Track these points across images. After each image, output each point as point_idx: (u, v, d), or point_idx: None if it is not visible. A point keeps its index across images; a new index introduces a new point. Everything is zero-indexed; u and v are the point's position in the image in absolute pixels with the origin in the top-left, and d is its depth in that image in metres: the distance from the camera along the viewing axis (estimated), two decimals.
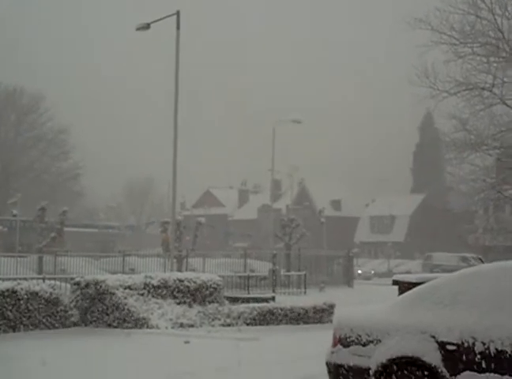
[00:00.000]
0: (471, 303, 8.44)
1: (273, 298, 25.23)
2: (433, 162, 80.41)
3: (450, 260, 54.39)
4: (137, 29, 28.60)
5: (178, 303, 20.81)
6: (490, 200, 36.08)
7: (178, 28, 27.87)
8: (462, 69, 30.99)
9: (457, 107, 31.67)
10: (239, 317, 20.74)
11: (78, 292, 20.19)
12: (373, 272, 55.48)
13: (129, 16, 72.33)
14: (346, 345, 9.24)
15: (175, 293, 20.96)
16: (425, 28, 30.83)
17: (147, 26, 28.33)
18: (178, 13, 27.79)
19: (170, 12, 27.89)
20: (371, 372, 8.85)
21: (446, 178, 55.59)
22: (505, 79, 31.06)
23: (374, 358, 8.85)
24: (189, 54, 33.46)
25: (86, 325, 19.89)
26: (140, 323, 19.56)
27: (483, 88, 30.93)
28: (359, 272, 59.55)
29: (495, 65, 30.90)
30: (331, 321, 19.41)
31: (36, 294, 19.08)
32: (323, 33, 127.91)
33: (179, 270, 33.79)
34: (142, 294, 20.50)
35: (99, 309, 19.95)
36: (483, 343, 8.09)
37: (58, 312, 19.49)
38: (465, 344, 8.21)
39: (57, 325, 19.37)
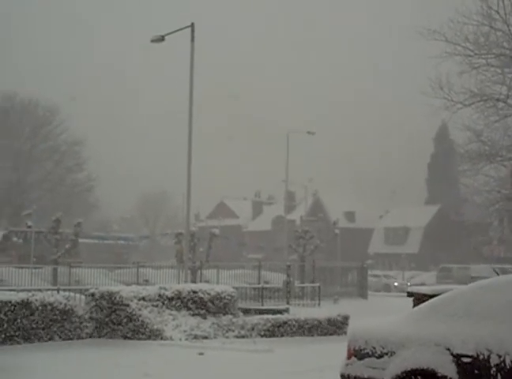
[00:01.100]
0: (486, 315, 8.40)
1: (287, 310, 25.17)
2: (448, 173, 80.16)
3: (488, 271, 53.90)
4: (152, 41, 28.78)
5: (193, 315, 20.81)
6: (504, 212, 36.00)
7: (192, 40, 28.00)
8: (477, 80, 30.99)
9: (471, 118, 31.65)
10: (253, 329, 20.72)
11: (93, 303, 20.21)
12: (409, 283, 54.28)
13: (144, 28, 72.76)
14: (360, 357, 9.21)
15: (189, 304, 20.96)
16: (439, 39, 30.85)
17: (161, 38, 28.49)
18: (192, 26, 27.93)
19: (183, 21, 28.08)
20: None
21: (460, 190, 55.41)
22: None
23: (389, 370, 8.81)
24: (202, 62, 33.56)
25: (100, 337, 19.90)
26: (154, 334, 19.57)
27: (497, 99, 30.89)
28: (396, 284, 58.85)
29: (509, 76, 30.87)
30: (345, 333, 19.38)
31: (51, 305, 19.13)
32: (335, 44, 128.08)
33: (193, 281, 33.79)
34: (156, 306, 20.51)
35: (113, 321, 19.97)
36: (499, 356, 8.04)
37: (72, 323, 19.52)
38: (481, 357, 8.16)
39: (71, 337, 19.40)
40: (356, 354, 9.26)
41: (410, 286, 19.20)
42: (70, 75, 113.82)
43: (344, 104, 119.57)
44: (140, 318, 19.81)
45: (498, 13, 30.32)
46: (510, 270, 41.24)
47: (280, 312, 23.77)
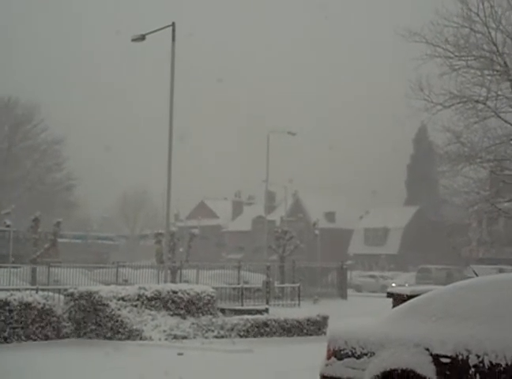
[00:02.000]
0: (465, 316, 8.43)
1: (267, 310, 25.19)
2: (427, 174, 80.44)
3: (488, 272, 53.84)
4: (133, 40, 28.73)
5: (172, 315, 20.78)
6: (483, 213, 36.16)
7: (173, 39, 27.99)
8: (457, 82, 31.09)
9: (451, 120, 31.75)
10: (232, 329, 20.71)
11: (72, 303, 20.14)
12: (407, 284, 53.57)
13: (126, 26, 72.61)
14: (340, 358, 9.22)
15: (168, 304, 20.93)
16: (420, 41, 30.93)
17: (142, 37, 28.45)
18: (173, 25, 27.91)
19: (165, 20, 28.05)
20: None
21: (439, 191, 55.58)
22: (499, 92, 31.15)
23: (369, 370, 8.83)
24: (183, 63, 33.53)
25: (79, 337, 19.83)
26: (133, 334, 19.52)
27: (477, 101, 31.02)
28: (393, 284, 58.80)
29: (489, 78, 31.01)
30: (325, 333, 19.43)
31: (29, 305, 19.04)
32: (318, 46, 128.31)
33: (173, 281, 33.73)
34: (136, 306, 20.46)
35: (92, 321, 19.90)
36: (478, 356, 8.07)
37: (51, 323, 19.44)
38: (459, 357, 8.19)
39: (50, 336, 19.32)
40: (336, 354, 9.27)
41: (405, 286, 19.28)
42: (51, 75, 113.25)
43: (322, 105, 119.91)
44: (119, 318, 19.75)
45: (478, 15, 30.45)
46: (507, 270, 41.36)
47: (259, 312, 23.78)
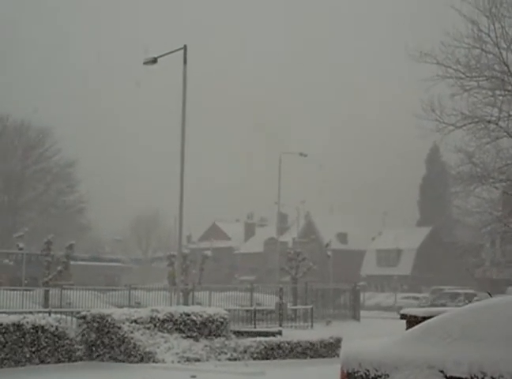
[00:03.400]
0: (480, 337, 8.37)
1: (280, 332, 25.05)
2: (439, 195, 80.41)
3: None
4: (145, 63, 28.83)
5: (185, 337, 20.71)
6: (496, 233, 36.01)
7: (185, 62, 28.09)
8: (468, 102, 31.10)
9: (463, 140, 31.73)
10: (245, 351, 20.63)
11: (84, 326, 20.11)
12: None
13: (137, 48, 73.03)
14: None
15: (181, 327, 20.87)
16: (431, 62, 30.99)
17: (154, 60, 28.55)
18: (185, 48, 28.02)
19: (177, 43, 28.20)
20: None
21: (452, 211, 55.51)
22: (510, 112, 31.13)
23: None
24: (194, 83, 33.66)
25: (92, 359, 19.78)
26: (146, 357, 19.46)
27: (489, 122, 31.00)
28: None
29: (500, 98, 31.00)
30: (338, 356, 19.31)
31: (42, 328, 19.01)
32: (326, 65, 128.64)
33: (185, 304, 33.70)
34: (148, 328, 20.41)
35: (105, 344, 19.87)
36: (493, 378, 8.00)
37: (63, 346, 19.40)
38: None
39: (62, 359, 19.27)
40: (349, 376, 9.21)
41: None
42: (61, 97, 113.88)
43: (335, 126, 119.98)
44: (132, 341, 19.71)
45: (489, 35, 30.51)
46: None
47: (272, 334, 23.65)
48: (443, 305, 53.35)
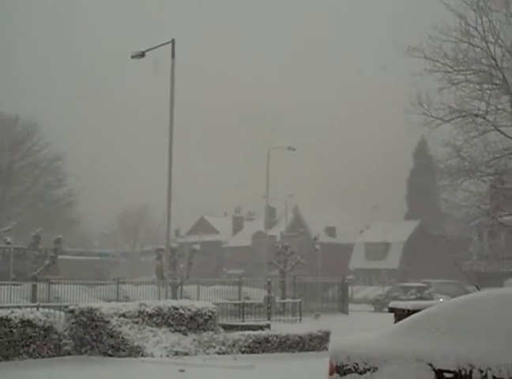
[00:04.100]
0: (468, 330, 8.40)
1: (268, 326, 25.12)
2: (427, 188, 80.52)
3: None
4: (132, 57, 28.71)
5: (173, 331, 20.71)
6: (484, 227, 36.16)
7: (173, 56, 28.03)
8: (456, 96, 31.17)
9: (451, 134, 31.81)
10: (234, 345, 20.65)
11: (72, 320, 20.08)
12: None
13: (125, 42, 72.78)
14: (343, 373, 9.18)
15: (169, 321, 20.86)
16: (418, 56, 31.04)
17: (142, 54, 28.45)
18: (173, 42, 27.95)
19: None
20: None
21: (440, 205, 55.59)
22: (498, 106, 31.23)
23: None
24: (183, 81, 33.57)
25: (80, 354, 19.75)
26: (135, 351, 19.44)
27: (476, 115, 31.08)
28: (441, 299, 58.06)
29: (488, 92, 31.08)
30: (327, 349, 19.35)
31: (30, 322, 18.97)
32: (316, 57, 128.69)
33: (174, 298, 33.68)
34: (137, 322, 20.40)
35: (93, 338, 19.84)
36: (481, 371, 8.03)
37: (52, 340, 19.37)
38: (463, 372, 8.15)
39: (51, 354, 19.23)
40: (338, 370, 9.23)
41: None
42: (49, 90, 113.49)
43: (323, 119, 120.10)
44: (120, 335, 19.69)
45: (476, 29, 30.57)
46: None
47: (261, 328, 23.69)
48: (396, 297, 54.09)
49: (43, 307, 23.36)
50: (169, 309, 21.04)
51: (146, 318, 20.61)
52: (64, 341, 19.67)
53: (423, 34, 31.14)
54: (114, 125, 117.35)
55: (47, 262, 37.22)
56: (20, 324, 18.71)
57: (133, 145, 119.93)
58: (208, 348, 20.41)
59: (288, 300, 41.04)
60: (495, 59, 30.54)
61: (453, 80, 30.95)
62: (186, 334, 20.77)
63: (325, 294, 46.57)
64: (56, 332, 19.53)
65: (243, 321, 31.43)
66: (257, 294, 38.40)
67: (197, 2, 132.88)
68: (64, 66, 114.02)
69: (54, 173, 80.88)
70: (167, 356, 19.56)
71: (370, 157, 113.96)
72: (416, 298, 55.86)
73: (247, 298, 37.34)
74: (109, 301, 26.23)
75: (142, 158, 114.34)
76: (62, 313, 21.14)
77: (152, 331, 20.37)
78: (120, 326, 19.88)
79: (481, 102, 31.19)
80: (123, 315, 20.27)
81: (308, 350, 21.46)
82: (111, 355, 19.48)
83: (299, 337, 21.66)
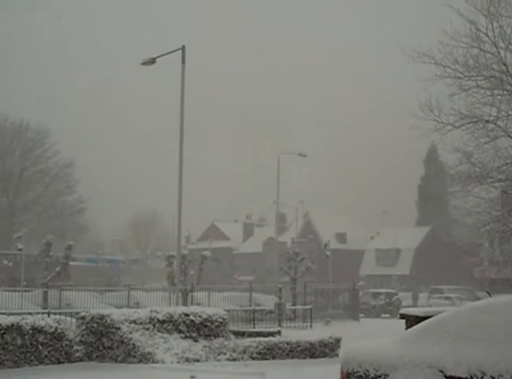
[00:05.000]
0: (479, 337, 8.37)
1: (279, 332, 25.07)
2: (438, 194, 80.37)
3: None
4: (143, 64, 28.78)
5: (184, 337, 20.72)
6: (495, 233, 35.93)
7: (183, 62, 28.10)
8: (466, 102, 31.06)
9: (461, 140, 31.69)
10: (244, 352, 20.63)
11: (83, 327, 20.11)
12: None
13: (135, 49, 72.98)
14: None
15: (180, 327, 20.87)
16: (428, 61, 30.96)
17: (152, 60, 28.52)
18: (183, 48, 28.04)
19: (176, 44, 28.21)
20: None
21: (451, 211, 55.57)
22: (509, 112, 31.09)
23: None
24: (193, 85, 33.64)
25: (91, 360, 19.78)
26: (145, 358, 19.46)
27: (487, 121, 30.98)
28: None
29: (499, 97, 30.97)
30: (337, 356, 19.35)
31: (41, 329, 19.02)
32: (326, 65, 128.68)
33: (185, 304, 33.69)
34: (148, 329, 20.41)
35: (104, 344, 19.86)
36: (492, 378, 8.01)
37: (63, 347, 19.41)
38: (474, 378, 8.13)
39: (62, 360, 19.27)
40: (349, 376, 9.22)
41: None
42: (59, 97, 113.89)
43: (334, 126, 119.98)
44: (131, 341, 19.71)
45: (487, 35, 30.48)
46: None
47: (271, 334, 23.66)
48: (365, 303, 54.28)
49: (54, 314, 23.37)
50: (180, 315, 21.04)
51: (157, 325, 20.62)
52: (75, 348, 19.71)
53: (432, 39, 31.10)
54: (124, 132, 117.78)
55: (58, 269, 37.27)
56: (31, 331, 18.76)
57: (144, 152, 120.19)
58: (218, 355, 20.40)
59: (298, 306, 40.98)
60: (505, 65, 30.44)
61: (463, 85, 30.86)
62: (196, 340, 20.77)
63: (336, 300, 46.51)
64: (67, 339, 19.57)
65: (254, 328, 31.40)
66: (267, 301, 38.38)
67: (200, 3, 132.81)
68: (74, 72, 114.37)
69: (65, 180, 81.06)
70: (178, 362, 19.55)
71: (380, 163, 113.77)
72: (385, 304, 56.54)
73: (258, 305, 37.32)
74: (120, 307, 26.28)
75: (152, 164, 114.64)
76: (73, 320, 21.16)
77: (162, 337, 20.38)
78: (131, 333, 19.90)
79: (492, 107, 31.08)
80: (134, 321, 20.29)
81: (319, 356, 21.40)
82: (121, 362, 19.49)
83: (310, 344, 21.61)
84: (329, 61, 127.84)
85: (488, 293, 11.59)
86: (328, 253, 68.92)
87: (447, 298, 61.68)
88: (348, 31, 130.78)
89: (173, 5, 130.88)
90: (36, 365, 18.69)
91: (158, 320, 20.69)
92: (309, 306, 39.53)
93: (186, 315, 21.12)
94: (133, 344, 19.65)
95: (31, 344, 18.71)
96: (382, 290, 60.93)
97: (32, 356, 18.73)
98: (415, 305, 57.53)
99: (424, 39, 31.82)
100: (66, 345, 19.50)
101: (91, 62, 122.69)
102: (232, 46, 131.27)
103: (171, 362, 19.45)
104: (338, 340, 21.86)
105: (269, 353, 20.84)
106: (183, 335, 20.75)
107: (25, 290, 34.79)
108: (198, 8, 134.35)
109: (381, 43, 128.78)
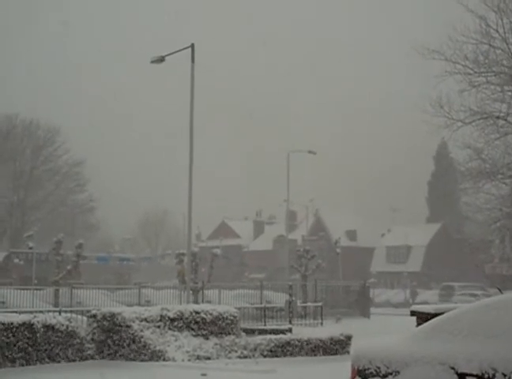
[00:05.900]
0: (491, 334, 8.34)
1: (290, 330, 25.07)
2: (448, 191, 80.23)
3: None
4: (152, 62, 28.80)
5: (195, 335, 20.73)
6: (506, 229, 35.91)
7: (192, 61, 28.09)
8: (477, 98, 31.04)
9: (471, 136, 31.68)
10: (255, 349, 20.63)
11: (94, 325, 20.15)
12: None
13: (144, 48, 73.09)
14: (364, 377, 9.15)
15: (191, 325, 20.89)
16: (439, 58, 30.94)
17: (162, 59, 28.54)
18: (192, 46, 28.02)
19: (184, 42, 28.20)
20: None
21: (461, 208, 55.38)
22: None
23: None
24: (203, 83, 33.64)
25: (102, 358, 19.81)
26: (156, 355, 19.49)
27: (497, 117, 30.92)
28: None
29: (509, 93, 30.92)
30: (348, 353, 19.33)
31: (52, 327, 19.06)
32: (335, 61, 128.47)
33: (195, 302, 33.72)
34: (158, 327, 20.44)
35: (115, 342, 19.89)
36: (504, 375, 7.97)
37: (74, 345, 19.45)
38: (486, 376, 8.10)
39: (73, 358, 19.32)
40: (360, 373, 9.20)
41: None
42: (69, 96, 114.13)
43: (344, 123, 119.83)
44: (142, 339, 19.74)
45: (497, 31, 30.43)
46: None
47: (282, 332, 23.66)
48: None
49: (66, 312, 23.43)
50: (191, 313, 21.06)
51: (168, 322, 20.65)
52: (86, 345, 19.75)
53: (442, 36, 31.04)
54: (134, 130, 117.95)
55: (68, 267, 37.36)
56: (42, 329, 18.80)
57: (154, 150, 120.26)
58: (229, 352, 20.42)
59: (309, 304, 40.94)
60: None
61: (473, 82, 30.82)
62: (207, 338, 20.79)
63: (347, 297, 46.46)
64: (78, 337, 19.62)
65: (265, 325, 31.39)
66: (278, 298, 38.33)
67: (203, 3, 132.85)
68: (83, 72, 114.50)
69: (75, 178, 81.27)
70: (189, 360, 19.58)
71: (390, 160, 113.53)
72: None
73: (269, 302, 37.29)
74: (131, 305, 26.27)
75: (163, 162, 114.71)
76: (84, 318, 21.20)
77: (173, 335, 20.40)
78: (142, 330, 19.93)
79: (502, 104, 31.05)
80: (145, 319, 20.32)
81: (330, 353, 21.40)
82: (132, 360, 19.53)
83: (321, 341, 21.61)
84: (329, 61, 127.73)
85: (499, 289, 11.56)
86: (338, 250, 68.90)
87: (473, 295, 61.48)
88: (348, 31, 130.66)
89: (173, 5, 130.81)
90: (48, 363, 18.73)
91: (169, 318, 20.72)
92: (319, 304, 39.49)
93: (197, 313, 21.13)
94: (144, 342, 19.69)
95: (42, 342, 18.76)
96: (479, 292, 59.62)
97: (44, 354, 18.78)
98: (413, 302, 57.35)
99: (427, 38, 31.80)
100: (77, 343, 19.54)
101: (101, 61, 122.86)
102: (232, 46, 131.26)
103: (182, 360, 19.47)
104: (349, 337, 21.85)
105: (279, 350, 20.85)
106: (194, 333, 20.76)
107: (36, 289, 34.88)
108: (198, 8, 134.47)
109: (381, 43, 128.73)
